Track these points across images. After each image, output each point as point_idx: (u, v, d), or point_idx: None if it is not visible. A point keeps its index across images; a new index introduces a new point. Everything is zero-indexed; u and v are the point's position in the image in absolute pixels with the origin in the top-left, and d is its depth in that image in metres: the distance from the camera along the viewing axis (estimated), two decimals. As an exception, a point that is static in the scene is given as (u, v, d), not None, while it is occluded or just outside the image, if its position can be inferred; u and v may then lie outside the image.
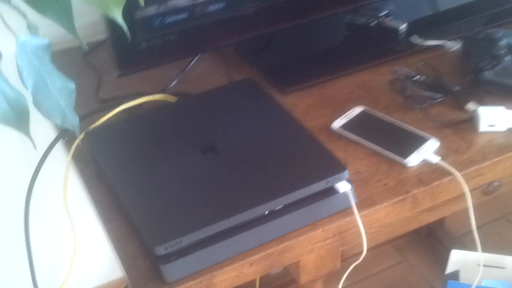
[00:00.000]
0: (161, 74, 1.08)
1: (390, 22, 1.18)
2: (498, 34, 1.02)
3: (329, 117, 0.97)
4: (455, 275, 1.39)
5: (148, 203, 0.78)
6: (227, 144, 0.86)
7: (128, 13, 0.91)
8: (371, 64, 1.10)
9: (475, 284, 0.99)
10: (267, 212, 0.77)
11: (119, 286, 0.73)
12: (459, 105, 0.98)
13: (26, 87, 0.51)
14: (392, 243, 1.75)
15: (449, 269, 1.42)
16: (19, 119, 0.48)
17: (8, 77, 0.56)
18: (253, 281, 1.44)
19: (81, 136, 0.92)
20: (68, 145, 0.95)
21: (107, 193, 0.86)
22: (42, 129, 0.88)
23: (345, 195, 0.80)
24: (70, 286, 1.49)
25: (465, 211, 0.87)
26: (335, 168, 0.80)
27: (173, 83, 1.08)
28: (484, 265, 1.35)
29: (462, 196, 0.86)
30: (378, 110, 0.97)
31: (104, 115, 0.96)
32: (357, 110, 0.97)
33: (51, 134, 0.99)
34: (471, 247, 0.90)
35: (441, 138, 0.91)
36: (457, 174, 0.85)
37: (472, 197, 0.86)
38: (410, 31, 1.16)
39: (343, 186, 0.80)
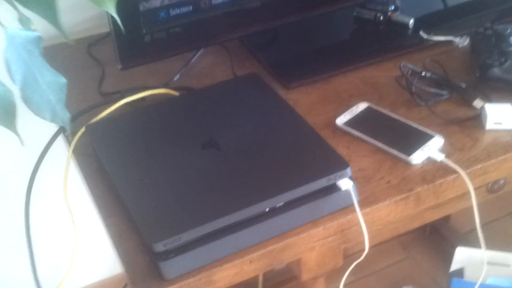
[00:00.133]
0: (164, 68, 1.07)
1: (398, 17, 1.17)
2: (507, 30, 1.01)
3: (333, 113, 0.95)
4: (459, 273, 1.38)
5: (148, 199, 0.77)
6: (229, 140, 0.85)
7: (132, 5, 0.91)
8: (377, 60, 1.08)
9: (479, 282, 0.98)
10: (267, 209, 0.76)
11: (121, 281, 0.72)
12: (466, 102, 0.97)
13: (14, 82, 0.49)
14: (397, 239, 1.74)
15: (454, 266, 1.41)
16: (5, 115, 0.47)
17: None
18: (257, 277, 1.44)
19: (82, 130, 0.91)
20: (69, 139, 0.94)
21: (107, 188, 0.85)
22: (44, 122, 0.87)
23: (347, 192, 0.79)
24: (72, 280, 1.50)
25: (471, 208, 0.85)
26: (337, 165, 0.79)
27: (176, 77, 1.07)
28: (490, 263, 1.34)
29: (466, 194, 0.85)
30: (383, 106, 0.96)
31: (106, 109, 0.96)
32: (361, 106, 0.96)
33: (54, 127, 0.98)
34: (476, 244, 0.89)
35: (446, 135, 0.90)
36: (462, 172, 0.84)
37: (477, 195, 0.85)
38: (418, 26, 1.14)
39: (345, 184, 0.79)
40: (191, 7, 0.96)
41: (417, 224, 0.94)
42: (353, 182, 0.79)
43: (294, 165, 0.80)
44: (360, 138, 0.91)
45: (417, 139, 0.89)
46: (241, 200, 0.75)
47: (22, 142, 0.51)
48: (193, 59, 1.11)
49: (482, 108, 0.93)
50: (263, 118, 0.90)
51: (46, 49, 1.09)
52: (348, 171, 0.79)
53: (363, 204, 0.80)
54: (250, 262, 0.76)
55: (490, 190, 0.94)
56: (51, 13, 0.48)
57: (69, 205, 0.96)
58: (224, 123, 0.89)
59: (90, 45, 1.17)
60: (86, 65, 1.13)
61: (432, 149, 0.87)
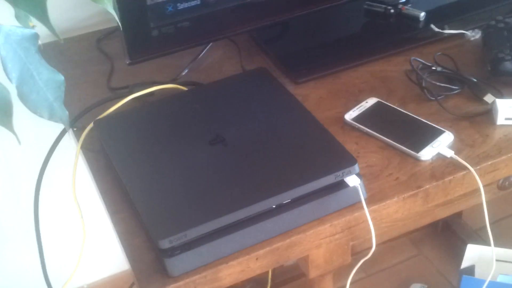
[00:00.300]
0: (172, 63, 1.07)
1: (408, 10, 1.15)
2: (520, 24, 0.99)
3: (342, 108, 0.95)
4: (470, 270, 1.37)
5: (154, 195, 0.77)
6: (236, 136, 0.84)
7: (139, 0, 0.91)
8: (388, 54, 1.07)
9: (488, 279, 0.97)
10: (274, 206, 0.76)
11: (130, 277, 0.72)
12: (477, 96, 0.95)
13: (10, 80, 0.49)
14: (408, 236, 1.73)
15: (465, 263, 1.40)
16: (2, 114, 0.47)
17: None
18: (266, 272, 1.44)
19: (90, 125, 0.91)
20: (78, 134, 0.94)
21: (114, 184, 0.85)
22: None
23: (354, 189, 0.78)
24: (81, 275, 1.51)
25: (481, 205, 0.84)
26: (345, 161, 0.79)
27: (185, 72, 1.07)
28: (500, 260, 1.32)
29: (476, 191, 0.84)
30: (392, 101, 0.95)
31: (114, 104, 0.95)
32: (370, 102, 0.95)
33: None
34: (488, 241, 0.88)
35: (456, 131, 0.89)
36: (472, 169, 0.82)
37: (488, 191, 0.84)
38: (429, 19, 1.13)
39: (353, 180, 0.78)
40: (199, 1, 0.95)
41: (427, 221, 0.93)
42: (361, 179, 0.78)
43: (301, 162, 0.80)
44: (369, 134, 0.90)
45: (427, 135, 0.88)
46: (247, 197, 0.75)
47: (19, 142, 0.51)
48: (202, 54, 1.10)
49: (493, 103, 0.92)
50: (271, 114, 0.89)
51: (54, 44, 1.10)
52: (356, 167, 0.78)
53: (371, 201, 0.80)
54: (256, 259, 0.76)
55: (501, 187, 0.93)
56: (40, 11, 0.48)
57: (77, 201, 0.96)
58: (231, 118, 0.88)
59: (99, 39, 1.17)
60: (96, 60, 1.13)
61: (442, 145, 0.86)
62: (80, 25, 1.21)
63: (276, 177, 0.78)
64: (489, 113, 0.92)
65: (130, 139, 0.87)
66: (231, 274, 0.75)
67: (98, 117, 0.92)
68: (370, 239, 0.79)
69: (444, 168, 0.84)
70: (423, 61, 0.99)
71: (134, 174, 0.81)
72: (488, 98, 0.94)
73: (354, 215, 0.79)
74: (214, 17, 0.98)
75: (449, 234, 1.73)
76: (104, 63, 1.11)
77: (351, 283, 0.87)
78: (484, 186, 0.84)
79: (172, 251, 0.72)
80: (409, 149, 0.86)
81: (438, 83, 0.97)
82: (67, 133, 0.96)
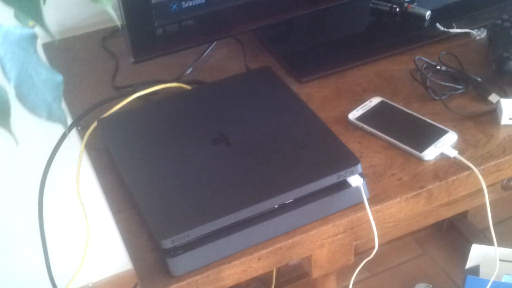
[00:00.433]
0: (177, 61, 1.07)
1: (414, 8, 1.14)
2: (525, 23, 0.99)
3: (346, 108, 0.94)
4: (475, 270, 1.36)
5: (157, 195, 0.77)
6: (239, 135, 0.84)
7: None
8: (393, 53, 1.07)
9: (492, 279, 0.96)
10: (276, 205, 0.76)
11: (134, 276, 0.72)
12: (481, 96, 0.95)
13: (8, 80, 0.49)
14: (412, 235, 1.72)
15: (469, 263, 1.40)
16: (-1, 115, 0.47)
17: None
18: (270, 271, 1.44)
19: (94, 124, 0.91)
20: (82, 133, 0.94)
21: (117, 183, 0.85)
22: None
23: (357, 189, 0.78)
24: (85, 274, 1.51)
25: (486, 205, 0.84)
26: (348, 161, 0.78)
27: (189, 71, 1.07)
28: (505, 260, 1.32)
29: (480, 191, 0.83)
30: (397, 101, 0.94)
31: (118, 103, 0.96)
32: (374, 101, 0.95)
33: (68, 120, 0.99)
34: (493, 241, 0.87)
35: (460, 130, 0.88)
36: (475, 169, 0.82)
37: (492, 192, 0.83)
38: (435, 18, 1.12)
39: (356, 180, 0.78)
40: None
41: (430, 221, 0.92)
42: (364, 179, 0.78)
43: (304, 161, 0.79)
44: (373, 133, 0.90)
45: (430, 135, 0.87)
46: (249, 197, 0.75)
47: (17, 142, 0.51)
48: (206, 52, 1.10)
49: (498, 102, 0.91)
50: (274, 113, 0.89)
51: (60, 42, 1.11)
52: (359, 167, 0.78)
53: (373, 201, 0.79)
54: (259, 259, 0.76)
55: (505, 187, 0.93)
56: (34, 10, 0.48)
57: (81, 200, 0.97)
58: (235, 118, 0.88)
59: (104, 38, 1.17)
60: (100, 58, 1.13)
61: (445, 145, 0.85)
62: (85, 23, 1.21)
63: (278, 177, 0.77)
64: (493, 113, 0.91)
65: (133, 138, 0.87)
66: (233, 274, 0.75)
67: (102, 116, 0.92)
68: (373, 239, 0.79)
69: (447, 168, 0.83)
70: (428, 60, 0.99)
71: (137, 173, 0.81)
72: (493, 97, 0.93)
73: (357, 215, 0.79)
74: (219, 16, 0.98)
75: (454, 233, 1.72)
76: (108, 61, 1.11)
77: (355, 283, 0.87)
78: (488, 186, 0.83)
79: (175, 251, 0.72)
80: (412, 149, 0.86)
81: (442, 83, 0.96)
82: (70, 132, 0.96)
